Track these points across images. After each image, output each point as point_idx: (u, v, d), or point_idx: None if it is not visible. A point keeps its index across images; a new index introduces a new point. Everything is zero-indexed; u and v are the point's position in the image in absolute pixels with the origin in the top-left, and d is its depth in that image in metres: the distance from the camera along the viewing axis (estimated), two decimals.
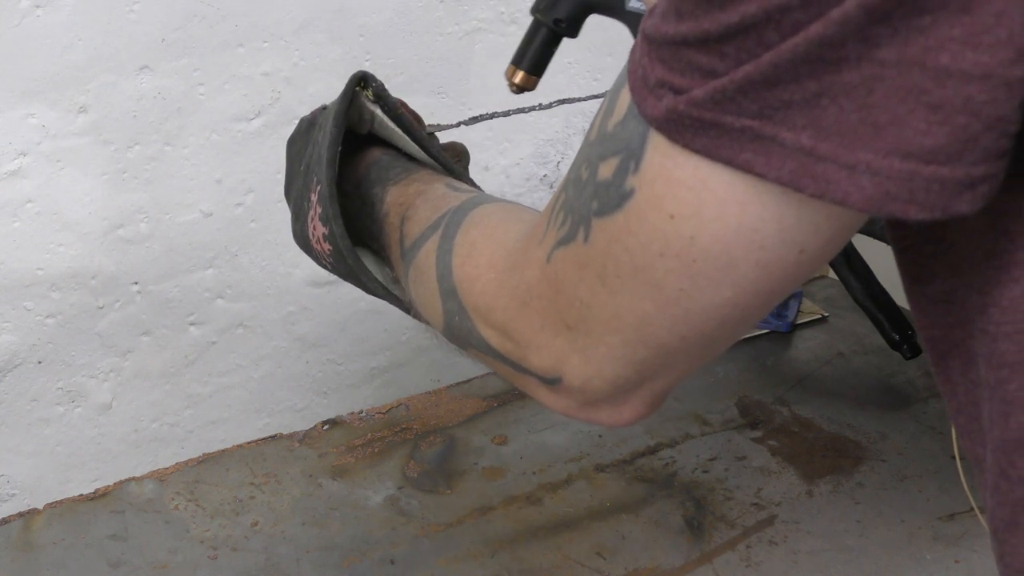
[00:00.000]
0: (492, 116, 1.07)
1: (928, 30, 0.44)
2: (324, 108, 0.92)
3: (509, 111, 1.07)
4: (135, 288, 1.32)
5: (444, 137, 0.97)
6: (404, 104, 0.93)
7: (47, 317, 1.28)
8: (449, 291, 0.72)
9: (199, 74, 1.26)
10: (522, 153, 1.51)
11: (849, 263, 1.30)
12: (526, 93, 1.10)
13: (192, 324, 1.37)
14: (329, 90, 1.28)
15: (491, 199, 0.78)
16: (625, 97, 0.54)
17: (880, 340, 1.31)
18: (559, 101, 1.04)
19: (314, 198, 0.86)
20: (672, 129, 0.50)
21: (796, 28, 0.46)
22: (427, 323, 0.85)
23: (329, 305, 1.44)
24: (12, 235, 1.23)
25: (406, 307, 0.88)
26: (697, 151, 0.50)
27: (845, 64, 0.45)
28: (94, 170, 1.24)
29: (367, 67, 1.33)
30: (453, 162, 0.90)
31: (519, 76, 1.06)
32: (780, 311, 1.42)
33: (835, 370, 1.37)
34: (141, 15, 1.21)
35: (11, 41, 1.16)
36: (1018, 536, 0.55)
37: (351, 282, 0.90)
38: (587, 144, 0.58)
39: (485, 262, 0.69)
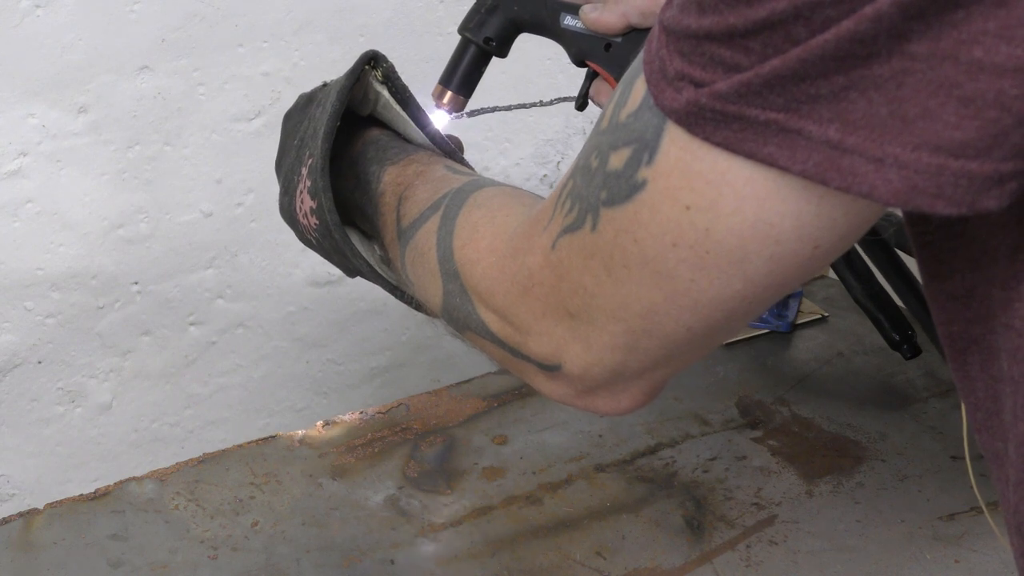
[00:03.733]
0: (493, 110, 1.07)
1: (962, 24, 0.44)
2: (325, 85, 0.91)
3: (511, 106, 1.07)
4: (135, 288, 1.32)
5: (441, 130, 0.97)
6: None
7: (47, 317, 1.28)
8: (451, 273, 0.71)
9: (199, 74, 1.27)
10: (522, 153, 1.51)
11: (849, 263, 1.30)
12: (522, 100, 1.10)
13: (192, 324, 1.37)
14: None
15: (492, 182, 0.78)
16: (640, 88, 0.54)
17: (880, 340, 1.31)
18: (560, 99, 1.04)
19: (304, 171, 0.85)
20: (692, 122, 0.50)
21: (827, 24, 0.45)
22: (419, 306, 0.85)
23: (329, 305, 1.44)
24: (12, 235, 1.23)
25: (390, 287, 0.88)
26: (718, 144, 0.50)
27: (876, 58, 0.45)
28: (94, 170, 1.25)
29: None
30: (455, 149, 0.90)
31: (447, 96, 1.05)
32: (780, 311, 1.42)
33: (835, 370, 1.37)
34: (141, 15, 1.21)
35: (11, 41, 1.16)
36: None
37: (334, 260, 0.89)
38: (598, 132, 0.58)
39: (486, 245, 0.69)
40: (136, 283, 1.32)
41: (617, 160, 0.55)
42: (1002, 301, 0.53)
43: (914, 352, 1.25)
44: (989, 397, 0.57)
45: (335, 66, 1.31)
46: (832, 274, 1.46)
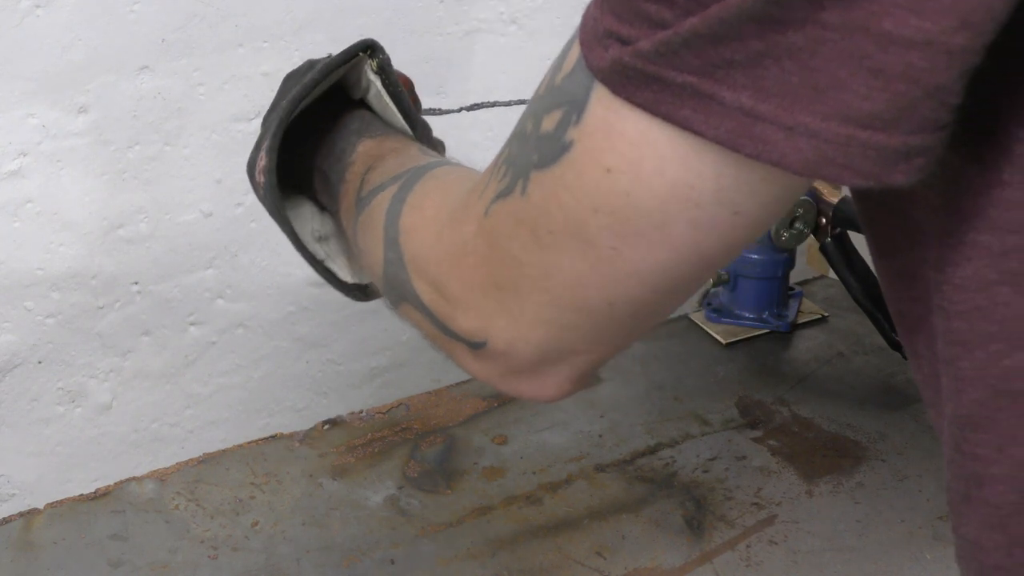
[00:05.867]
0: (493, 105, 1.06)
1: None
2: (329, 56, 0.92)
3: (511, 101, 1.06)
4: (135, 288, 1.32)
5: (444, 122, 0.96)
6: (409, 82, 0.93)
7: (47, 317, 1.28)
8: (392, 239, 0.70)
9: (199, 74, 1.27)
10: None
11: (849, 263, 1.30)
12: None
13: (192, 324, 1.37)
14: None
15: (462, 164, 0.77)
16: (576, 51, 0.53)
17: (880, 340, 1.31)
18: None
19: (270, 129, 0.86)
20: (616, 81, 0.50)
21: None
22: (345, 288, 0.88)
23: (329, 305, 1.44)
24: (12, 235, 1.23)
25: (315, 261, 0.89)
26: (639, 105, 0.49)
27: (790, 25, 0.45)
28: (94, 170, 1.24)
29: None
30: (442, 144, 0.90)
31: None
32: (780, 311, 1.42)
33: (835, 370, 1.37)
34: (141, 15, 1.21)
35: (11, 41, 1.16)
36: (971, 508, 0.56)
37: (276, 222, 0.90)
38: (535, 98, 0.57)
39: (431, 214, 0.68)
40: (136, 283, 1.31)
41: (549, 122, 0.55)
42: (936, 283, 0.53)
43: None
44: (933, 375, 0.57)
45: None
46: (832, 274, 1.46)
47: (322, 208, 0.91)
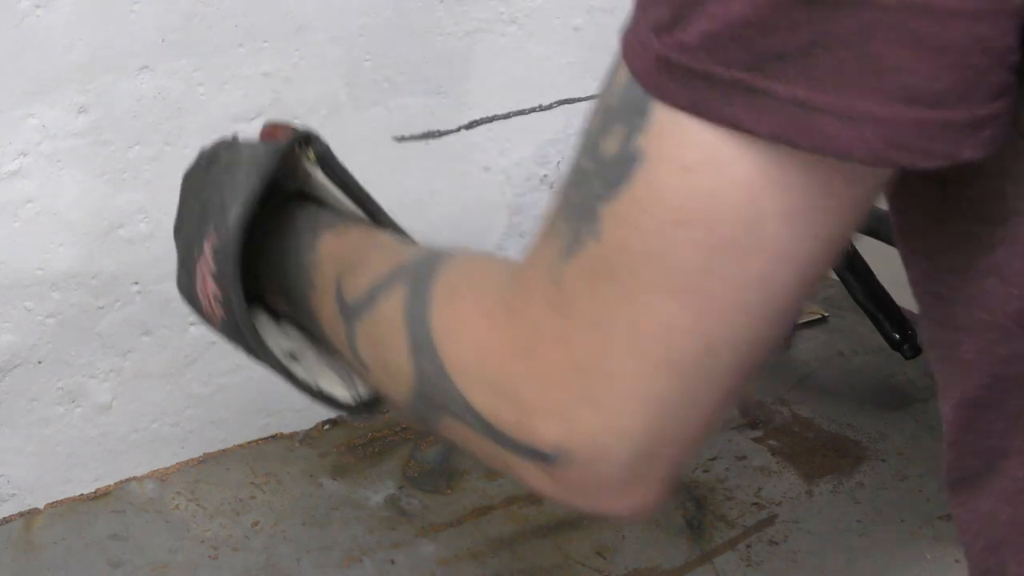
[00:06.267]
0: (492, 119, 1.06)
1: None
2: (233, 143, 0.81)
3: (509, 114, 1.06)
4: (135, 288, 1.32)
5: (446, 124, 0.94)
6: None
7: (47, 317, 1.28)
8: (423, 345, 0.59)
9: (199, 74, 1.27)
10: (522, 153, 1.51)
11: (849, 263, 1.30)
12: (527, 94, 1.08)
13: (192, 324, 1.37)
14: (329, 90, 1.28)
15: (456, 247, 0.66)
16: (623, 69, 0.50)
17: (880, 340, 1.31)
18: (559, 102, 1.04)
19: (208, 250, 0.74)
20: (660, 82, 0.47)
21: None
22: (352, 410, 0.79)
23: None
24: (12, 235, 1.23)
25: (303, 384, 0.80)
26: (683, 108, 0.47)
27: (842, 9, 0.44)
28: (94, 170, 1.24)
29: (367, 67, 1.33)
30: (399, 228, 0.78)
31: None
32: None
33: (835, 370, 1.37)
34: (141, 15, 1.21)
35: (11, 41, 1.16)
36: (993, 480, 0.56)
37: (236, 345, 0.80)
38: (582, 137, 0.53)
39: (473, 307, 0.57)
40: (136, 283, 1.31)
41: (611, 144, 0.50)
42: (935, 271, 0.54)
43: (914, 352, 1.25)
44: (940, 358, 0.58)
45: (335, 66, 1.31)
46: (832, 274, 1.46)
47: (275, 315, 0.81)
